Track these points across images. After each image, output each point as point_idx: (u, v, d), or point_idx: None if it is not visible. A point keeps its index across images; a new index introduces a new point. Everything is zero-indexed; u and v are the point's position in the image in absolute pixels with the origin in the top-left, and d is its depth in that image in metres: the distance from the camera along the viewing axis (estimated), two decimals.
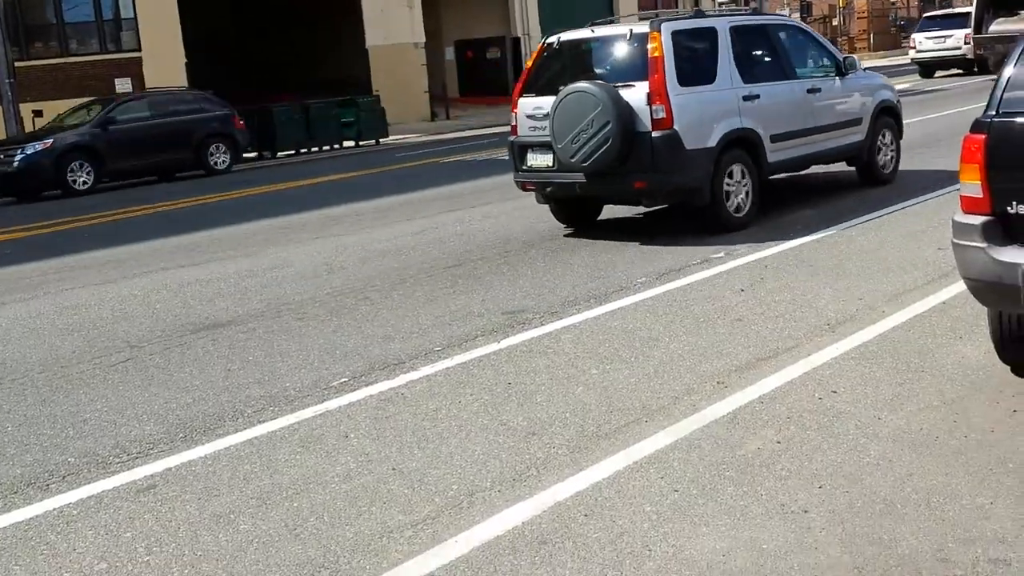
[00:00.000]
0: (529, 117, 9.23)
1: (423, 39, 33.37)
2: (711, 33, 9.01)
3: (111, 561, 3.69)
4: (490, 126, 29.54)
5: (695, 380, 5.10)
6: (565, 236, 9.40)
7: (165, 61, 28.35)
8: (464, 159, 19.38)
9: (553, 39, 9.45)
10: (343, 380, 5.62)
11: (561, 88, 8.67)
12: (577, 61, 9.42)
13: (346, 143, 26.63)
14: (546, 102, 8.88)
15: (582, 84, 8.56)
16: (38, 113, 25.68)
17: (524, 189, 9.65)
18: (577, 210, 9.83)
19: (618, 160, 8.43)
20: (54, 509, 4.20)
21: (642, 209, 9.92)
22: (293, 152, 25.61)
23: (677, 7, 43.08)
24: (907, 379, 4.87)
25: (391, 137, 27.78)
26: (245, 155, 25.37)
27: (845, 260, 7.45)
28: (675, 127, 8.40)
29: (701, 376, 5.16)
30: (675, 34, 8.64)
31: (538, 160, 9.17)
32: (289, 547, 3.67)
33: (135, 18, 28.45)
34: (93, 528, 3.98)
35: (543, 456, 4.32)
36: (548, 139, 8.82)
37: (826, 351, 5.36)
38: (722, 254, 8.00)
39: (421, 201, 13.11)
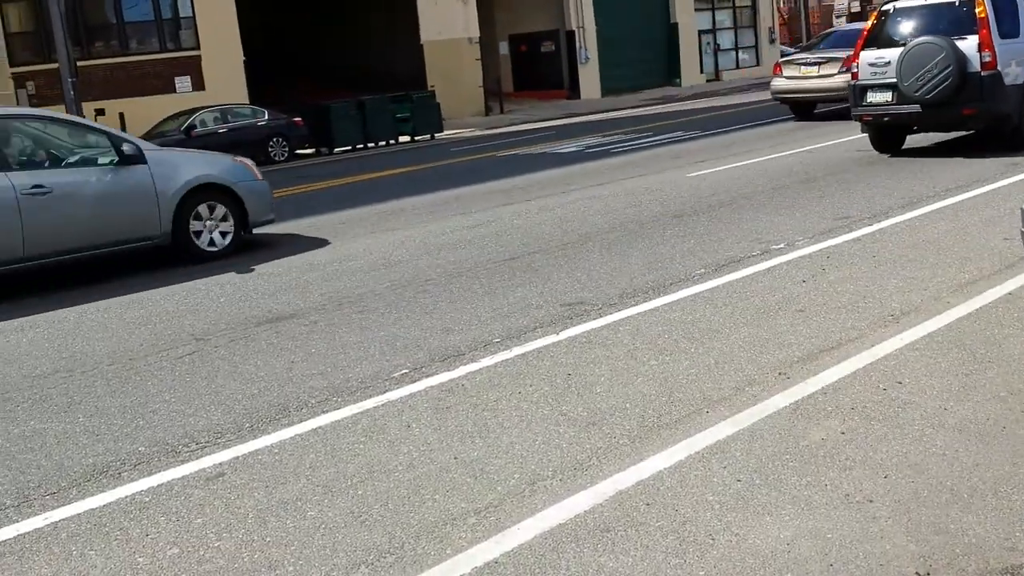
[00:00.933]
0: (870, 65, 12.22)
1: (477, 34, 33.48)
2: (1013, 1, 11.73)
3: (183, 546, 3.78)
4: (545, 120, 29.55)
5: (757, 371, 5.08)
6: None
7: (223, 59, 28.77)
8: (519, 153, 19.42)
9: (888, 7, 12.49)
10: (404, 371, 5.68)
11: (905, 41, 11.76)
12: (911, 21, 12.16)
13: (402, 138, 26.83)
14: (886, 53, 11.98)
15: (928, 37, 11.49)
16: (100, 112, 26.22)
17: (862, 120, 12.44)
18: (891, 140, 12.73)
19: (955, 93, 11.29)
20: (126, 496, 4.31)
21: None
22: (349, 148, 25.88)
23: None
24: (973, 370, 4.80)
25: (446, 132, 27.92)
26: (303, 151, 25.73)
27: (909, 250, 7.35)
28: (998, 68, 11.30)
29: (763, 367, 5.13)
30: (992, 1, 11.48)
31: (877, 97, 12.16)
32: (355, 533, 3.74)
33: (193, 16, 28.90)
34: (165, 514, 4.08)
35: (604, 446, 4.33)
36: (887, 81, 11.92)
37: (890, 342, 5.30)
38: (782, 245, 7.94)
39: (477, 195, 13.17)
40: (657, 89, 37.87)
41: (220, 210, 10.16)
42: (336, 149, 25.71)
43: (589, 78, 36.98)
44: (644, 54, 38.43)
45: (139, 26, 29.19)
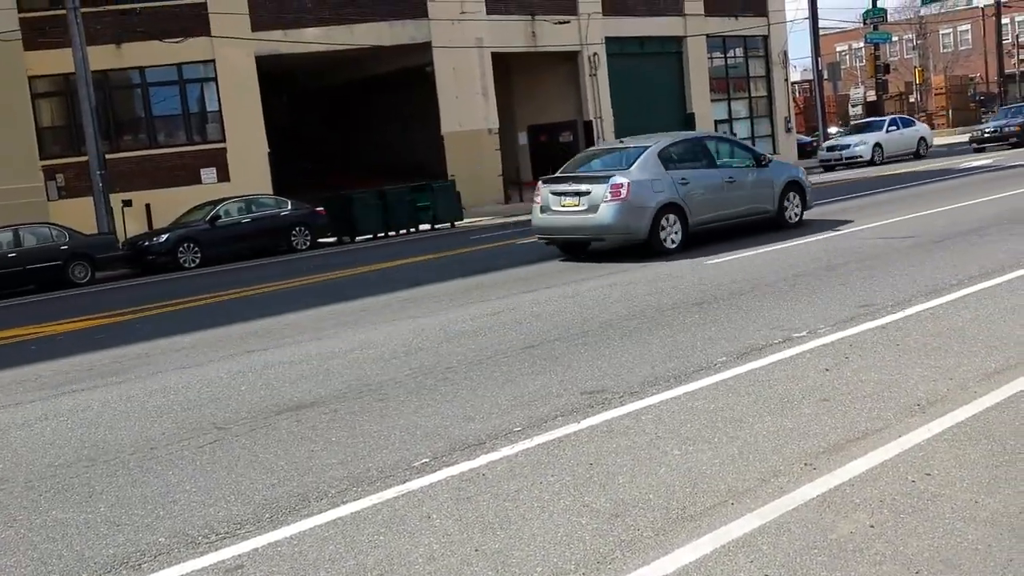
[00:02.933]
0: None
1: (497, 125, 34.03)
2: None
3: None
4: None
5: (782, 462, 5.02)
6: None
7: (248, 151, 29.34)
8: (539, 240, 19.53)
9: None
10: (424, 460, 5.64)
11: None
12: None
13: (422, 226, 27.11)
14: None
15: None
16: (127, 203, 26.70)
17: None
18: None
19: None
20: None
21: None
22: (371, 236, 26.14)
23: (748, 86, 43.40)
24: (1003, 461, 4.72)
25: (466, 220, 28.20)
26: (325, 240, 26.00)
27: (933, 338, 7.30)
28: None
29: (788, 458, 5.07)
30: None
31: None
32: None
33: (220, 111, 29.58)
34: None
35: (628, 538, 4.27)
36: None
37: (917, 432, 5.23)
38: (804, 332, 7.91)
39: (497, 282, 13.23)
40: None
41: (796, 198, 16.19)
42: (358, 238, 25.99)
43: None
44: None
45: (167, 120, 29.90)
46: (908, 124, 38.78)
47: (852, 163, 36.10)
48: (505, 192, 34.05)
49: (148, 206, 27.51)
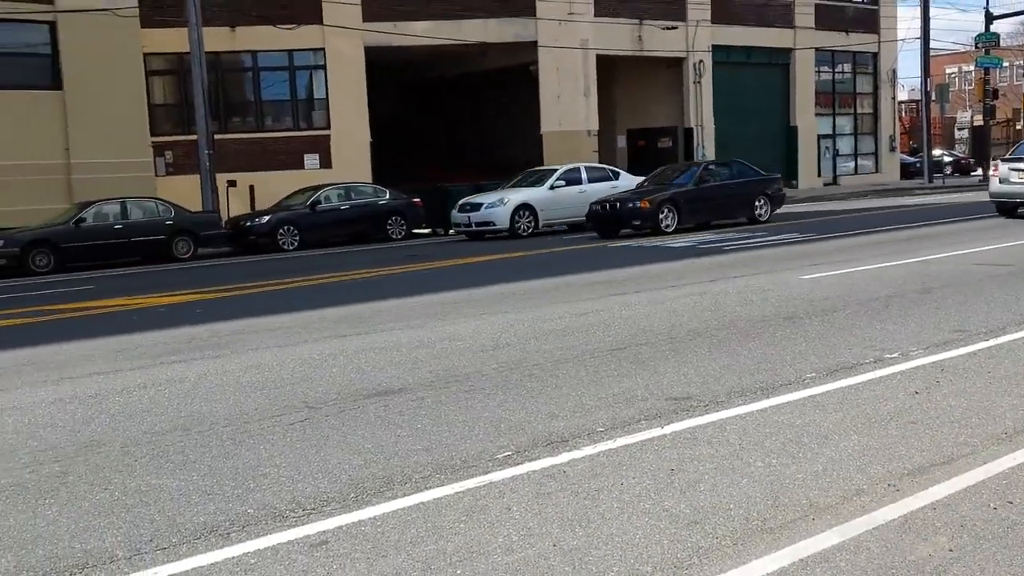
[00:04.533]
0: None
1: (596, 127, 34.03)
2: None
3: None
4: None
5: (865, 481, 4.98)
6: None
7: (351, 139, 29.89)
8: (631, 244, 19.52)
9: None
10: (507, 453, 5.73)
11: None
12: None
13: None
14: None
15: None
16: (232, 183, 27.46)
17: None
18: None
19: None
20: (233, 557, 4.43)
21: None
22: None
23: (854, 102, 42.52)
24: None
25: None
26: (420, 231, 26.33)
27: None
28: None
29: (872, 478, 5.02)
30: None
31: None
32: None
33: (327, 98, 30.18)
34: None
35: (705, 545, 4.29)
36: None
37: (1003, 460, 5.14)
38: (896, 354, 7.79)
39: (587, 283, 13.28)
40: None
41: None
42: (451, 231, 26.25)
43: None
44: (761, 154, 38.37)
45: (275, 104, 30.66)
46: (600, 178, 25.59)
47: (486, 233, 24.16)
48: None
49: (252, 187, 28.28)
